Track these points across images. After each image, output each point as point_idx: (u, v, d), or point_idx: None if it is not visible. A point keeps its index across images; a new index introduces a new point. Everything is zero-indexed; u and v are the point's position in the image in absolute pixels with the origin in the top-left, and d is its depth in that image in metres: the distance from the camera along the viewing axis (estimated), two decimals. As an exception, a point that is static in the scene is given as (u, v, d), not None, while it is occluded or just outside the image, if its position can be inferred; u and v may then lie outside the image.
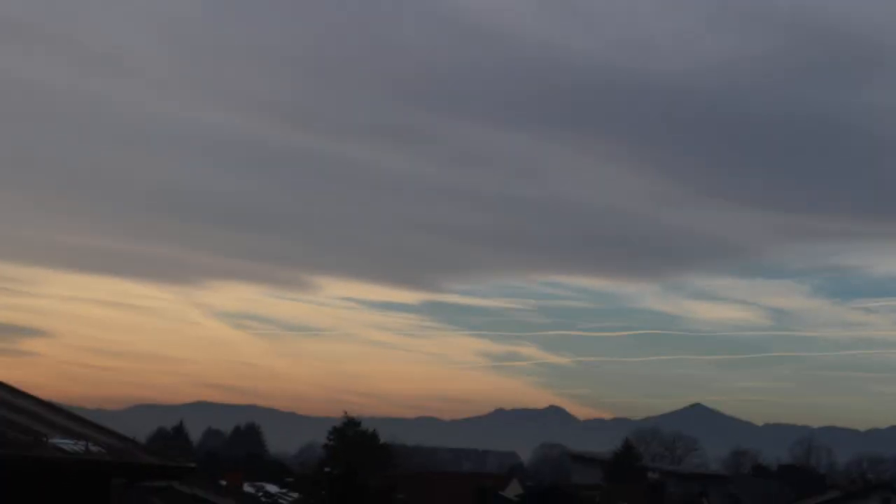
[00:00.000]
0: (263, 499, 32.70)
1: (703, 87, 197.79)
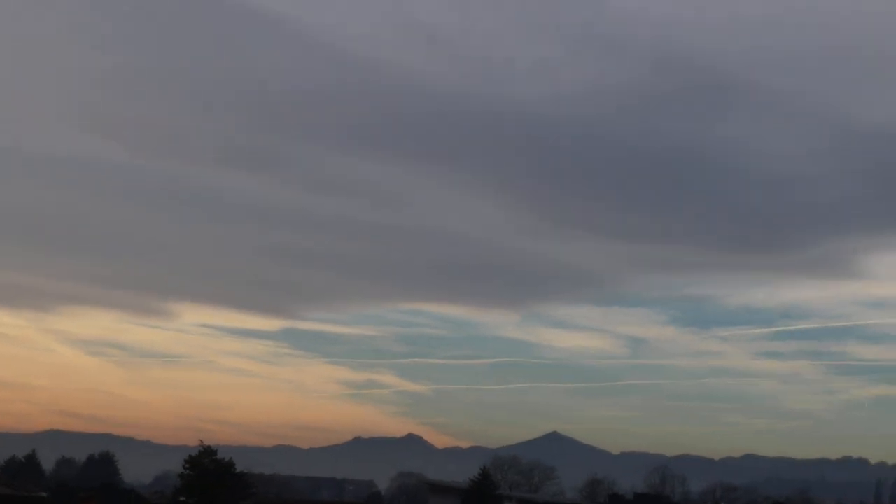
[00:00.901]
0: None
1: (564, 117, 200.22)
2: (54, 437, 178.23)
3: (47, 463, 76.14)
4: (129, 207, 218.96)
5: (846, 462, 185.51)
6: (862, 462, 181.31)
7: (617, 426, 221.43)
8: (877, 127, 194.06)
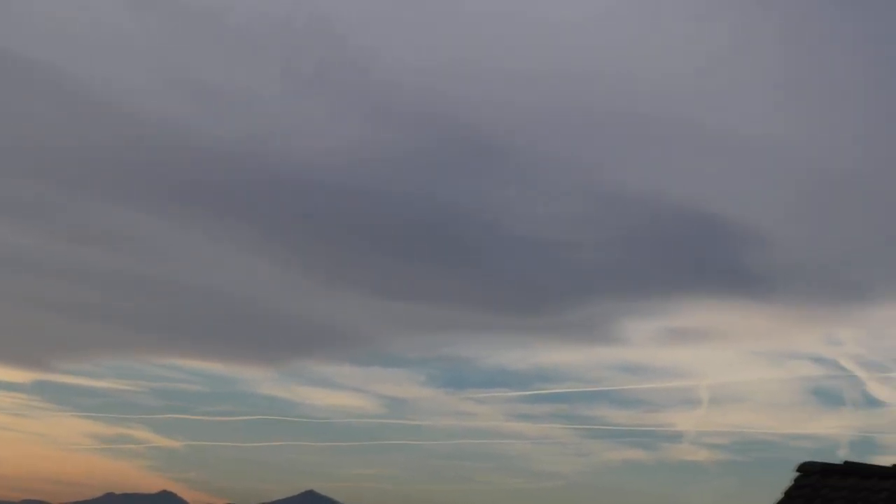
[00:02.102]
0: None
1: (329, 177, 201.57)
2: None
3: None
4: None
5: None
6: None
7: (375, 484, 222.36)
8: (637, 194, 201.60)
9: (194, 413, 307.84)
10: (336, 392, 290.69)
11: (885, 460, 7.49)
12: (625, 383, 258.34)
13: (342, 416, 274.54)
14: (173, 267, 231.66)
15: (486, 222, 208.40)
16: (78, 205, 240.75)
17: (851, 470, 7.43)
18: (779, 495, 7.53)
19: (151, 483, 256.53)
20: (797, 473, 7.64)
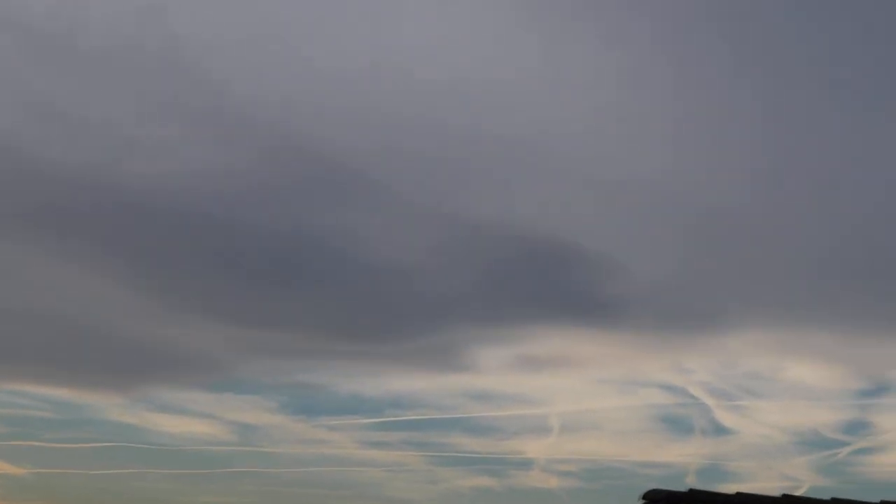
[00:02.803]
0: None
1: (181, 203, 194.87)
2: None
3: None
4: None
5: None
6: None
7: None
8: (490, 221, 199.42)
9: (40, 440, 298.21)
10: (187, 419, 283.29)
11: (730, 487, 7.42)
12: (477, 410, 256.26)
13: (193, 444, 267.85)
14: (18, 291, 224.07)
15: (340, 249, 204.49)
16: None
17: (696, 497, 7.34)
18: (625, 523, 7.39)
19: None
20: (642, 501, 7.53)
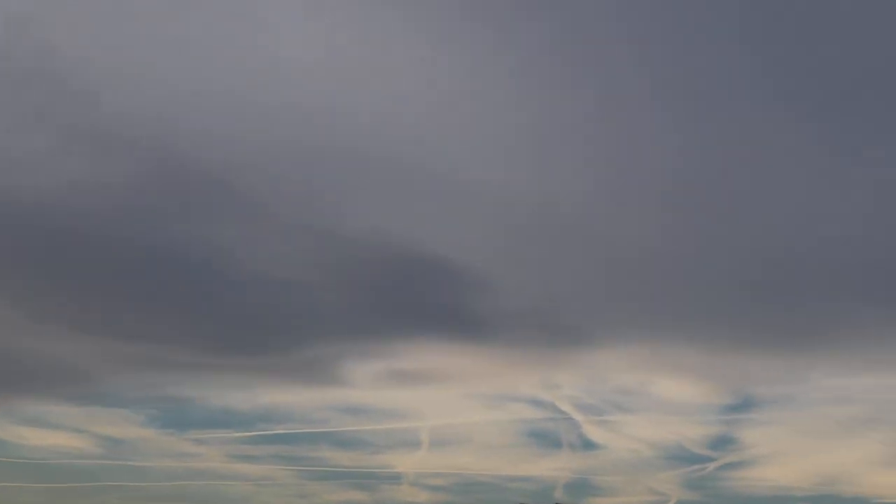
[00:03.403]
0: None
1: (49, 216, 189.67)
2: None
3: None
4: None
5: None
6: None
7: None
8: (362, 234, 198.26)
9: None
10: (53, 432, 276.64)
11: (598, 501, 7.55)
12: (347, 425, 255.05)
13: (59, 457, 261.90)
14: None
15: (212, 261, 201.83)
16: None
17: (564, 511, 7.45)
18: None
19: None
20: (511, 515, 7.63)
